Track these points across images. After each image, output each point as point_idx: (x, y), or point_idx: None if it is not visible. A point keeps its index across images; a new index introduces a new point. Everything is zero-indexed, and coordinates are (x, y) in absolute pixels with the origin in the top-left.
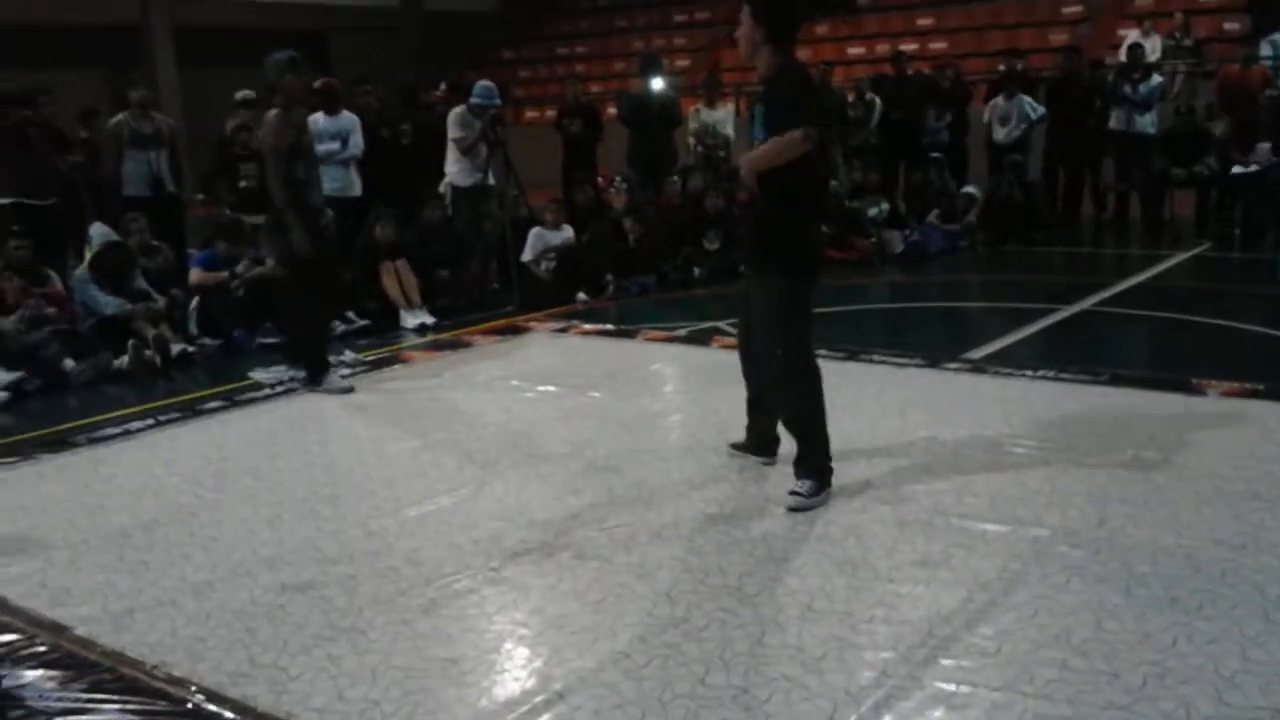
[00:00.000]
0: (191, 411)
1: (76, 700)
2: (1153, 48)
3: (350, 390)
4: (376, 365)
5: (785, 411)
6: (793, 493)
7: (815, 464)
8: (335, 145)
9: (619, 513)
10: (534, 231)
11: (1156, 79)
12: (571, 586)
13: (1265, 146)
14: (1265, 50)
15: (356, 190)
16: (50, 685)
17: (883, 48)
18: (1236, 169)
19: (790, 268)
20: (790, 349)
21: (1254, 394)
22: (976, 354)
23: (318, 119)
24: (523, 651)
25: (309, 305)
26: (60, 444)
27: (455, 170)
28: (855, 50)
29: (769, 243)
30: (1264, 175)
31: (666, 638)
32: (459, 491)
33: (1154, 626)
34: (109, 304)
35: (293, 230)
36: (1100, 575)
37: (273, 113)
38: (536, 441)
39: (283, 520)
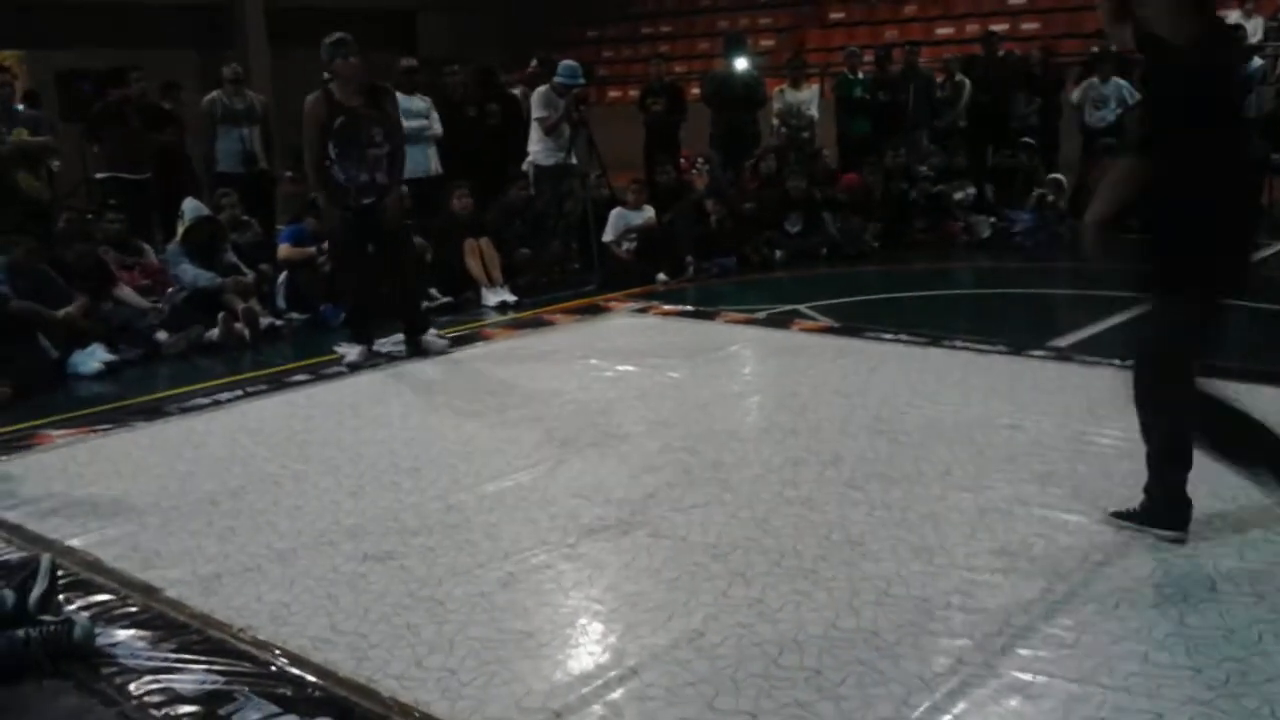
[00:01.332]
0: (278, 384)
1: (165, 660)
2: (1254, 29)
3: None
4: (457, 342)
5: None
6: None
7: None
8: (413, 124)
9: (695, 493)
10: (615, 211)
11: (1257, 61)
12: (647, 564)
13: None
14: None
15: (433, 169)
16: (141, 644)
17: (973, 28)
18: None
19: None
20: None
21: None
22: (1063, 342)
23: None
24: (597, 627)
25: (345, 280)
26: (154, 412)
27: (538, 149)
28: (944, 30)
29: None
30: None
31: (740, 617)
32: (537, 468)
33: (1238, 622)
34: (200, 277)
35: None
36: (1185, 569)
37: (311, 95)
38: (614, 420)
39: (364, 491)
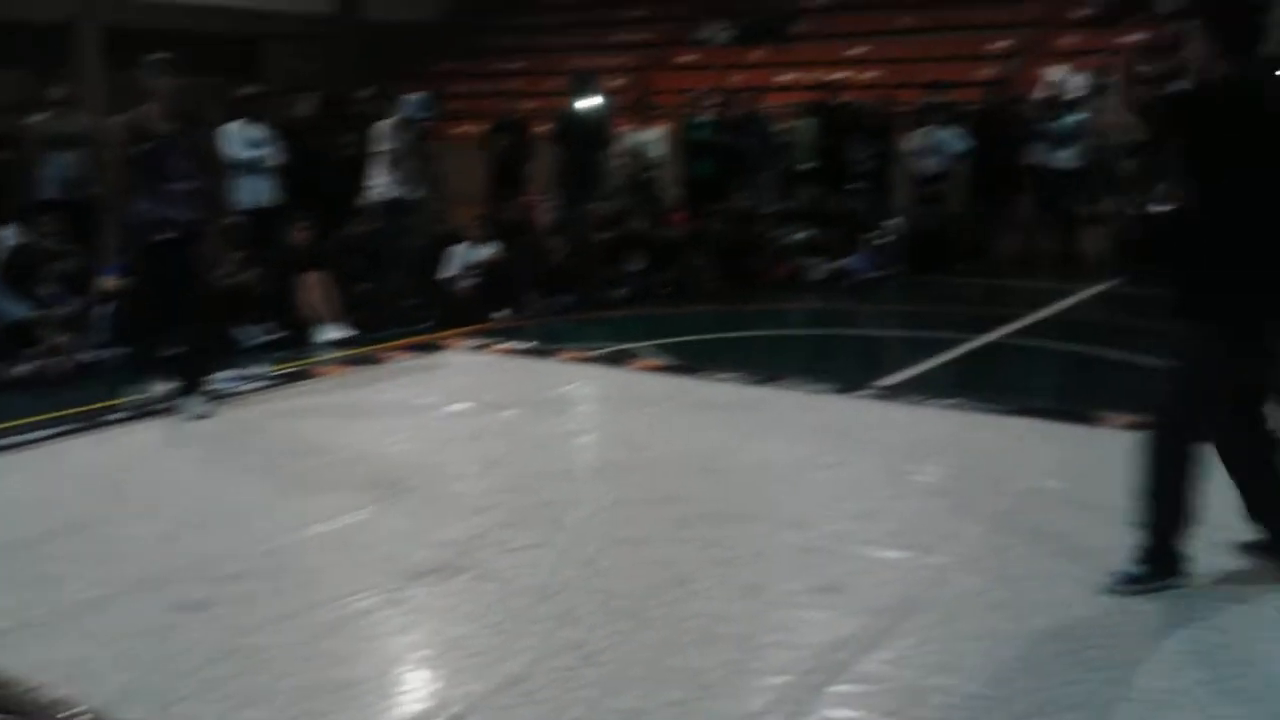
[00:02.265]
0: (93, 422)
1: None
2: (1076, 84)
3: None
4: (289, 379)
5: None
6: None
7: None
8: (252, 153)
9: (525, 533)
10: (457, 247)
11: (1077, 116)
12: (472, 608)
13: (1163, 187)
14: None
15: (271, 200)
16: None
17: (816, 75)
18: (1149, 207)
19: None
20: None
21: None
22: (888, 382)
23: (234, 127)
24: (420, 674)
25: (151, 320)
26: None
27: (382, 182)
28: (788, 77)
29: None
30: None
31: (564, 660)
32: (364, 510)
33: (1044, 654)
34: (16, 309)
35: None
36: (995, 603)
37: (123, 116)
38: (446, 460)
39: (180, 536)
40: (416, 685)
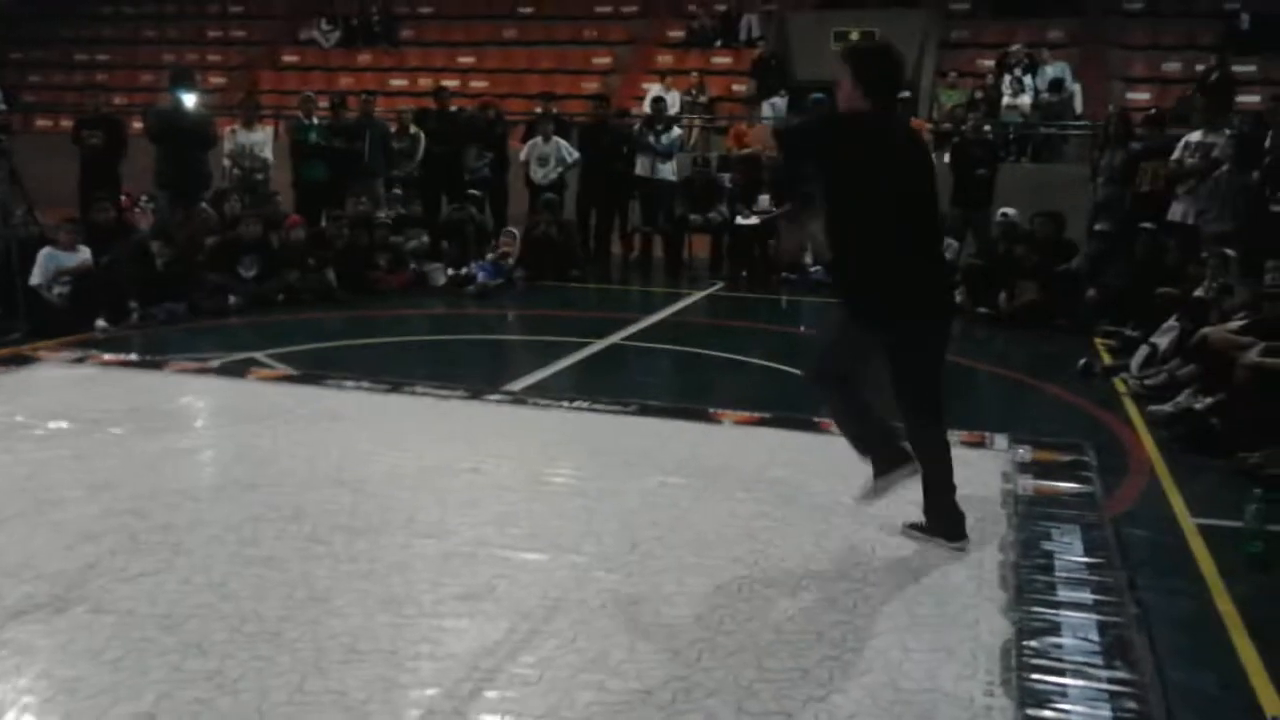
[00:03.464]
0: None
1: None
2: (673, 102)
3: None
4: None
5: None
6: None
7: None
8: None
9: (143, 559)
10: (45, 252)
11: (676, 131)
12: (87, 644)
13: (765, 198)
14: (766, 111)
15: None
16: None
17: (425, 81)
18: (739, 219)
19: None
20: None
21: (762, 422)
22: (517, 386)
23: None
24: None
25: None
26: None
27: None
28: (398, 82)
29: None
30: (768, 224)
31: (196, 693)
32: None
33: (681, 643)
34: None
35: None
36: (633, 597)
37: None
38: (46, 485)
39: None
40: None
